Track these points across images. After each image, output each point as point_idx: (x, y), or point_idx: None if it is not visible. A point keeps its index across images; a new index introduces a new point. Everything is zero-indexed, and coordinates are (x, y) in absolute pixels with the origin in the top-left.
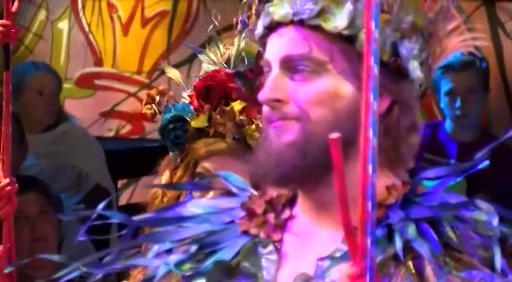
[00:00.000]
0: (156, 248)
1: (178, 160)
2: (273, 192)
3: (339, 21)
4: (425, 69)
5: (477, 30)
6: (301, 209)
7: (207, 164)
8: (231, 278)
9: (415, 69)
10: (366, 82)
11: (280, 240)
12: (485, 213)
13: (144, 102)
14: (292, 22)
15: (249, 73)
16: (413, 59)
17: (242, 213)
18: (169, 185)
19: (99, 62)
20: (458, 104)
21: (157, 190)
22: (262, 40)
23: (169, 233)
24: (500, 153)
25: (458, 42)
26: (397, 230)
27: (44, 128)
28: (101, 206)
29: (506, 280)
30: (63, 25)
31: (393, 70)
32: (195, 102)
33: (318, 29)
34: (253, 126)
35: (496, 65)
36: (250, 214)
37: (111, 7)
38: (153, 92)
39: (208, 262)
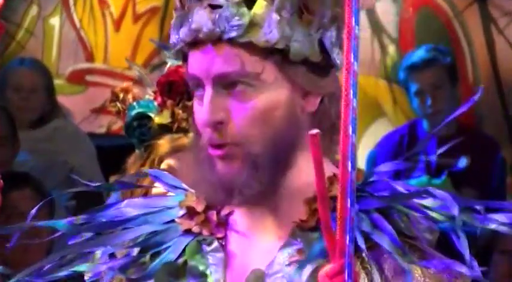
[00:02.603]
0: (98, 252)
1: (144, 157)
2: None
3: (269, 35)
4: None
5: None
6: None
7: (170, 161)
8: (179, 279)
9: (337, 56)
10: (346, 79)
11: (224, 237)
12: (442, 200)
13: (108, 100)
14: (219, 40)
15: None
16: (334, 47)
17: (182, 212)
18: (100, 186)
19: (90, 58)
20: (428, 102)
21: (126, 190)
22: (181, 52)
23: (110, 237)
24: (483, 146)
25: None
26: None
27: (28, 125)
28: (33, 210)
29: (476, 273)
30: (55, 21)
31: (322, 66)
32: (159, 98)
33: (248, 44)
34: None
35: (489, 61)
36: (191, 212)
37: (102, 3)
38: (117, 89)
39: (154, 263)
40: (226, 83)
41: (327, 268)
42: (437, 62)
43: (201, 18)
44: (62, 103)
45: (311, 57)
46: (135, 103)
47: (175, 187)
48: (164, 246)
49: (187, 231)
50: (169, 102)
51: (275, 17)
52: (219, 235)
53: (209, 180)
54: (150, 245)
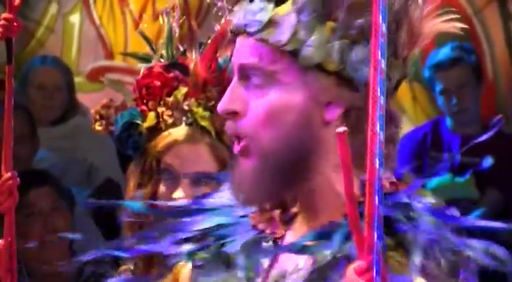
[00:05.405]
0: (172, 236)
1: (141, 163)
2: None
3: (281, 35)
4: (397, 63)
5: (453, 12)
6: (298, 208)
7: (168, 159)
8: (229, 269)
9: (361, 72)
10: (374, 76)
11: (282, 237)
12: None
13: (93, 121)
14: (245, 32)
15: (183, 59)
16: (361, 63)
17: (255, 208)
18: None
19: (110, 56)
20: (454, 101)
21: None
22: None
23: (191, 223)
24: (507, 146)
25: (433, 26)
26: None
27: (48, 122)
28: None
29: None
30: (75, 19)
31: (343, 78)
32: (140, 104)
33: (265, 41)
34: (200, 108)
35: (508, 60)
36: (261, 209)
37: (122, 1)
38: (97, 108)
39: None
40: (246, 75)
41: (355, 265)
42: (463, 61)
43: (238, 11)
44: (82, 101)
45: (326, 65)
46: (118, 116)
47: None
48: (231, 238)
49: (254, 227)
50: (150, 103)
51: (293, 18)
52: (278, 234)
53: (231, 178)
54: (219, 236)
